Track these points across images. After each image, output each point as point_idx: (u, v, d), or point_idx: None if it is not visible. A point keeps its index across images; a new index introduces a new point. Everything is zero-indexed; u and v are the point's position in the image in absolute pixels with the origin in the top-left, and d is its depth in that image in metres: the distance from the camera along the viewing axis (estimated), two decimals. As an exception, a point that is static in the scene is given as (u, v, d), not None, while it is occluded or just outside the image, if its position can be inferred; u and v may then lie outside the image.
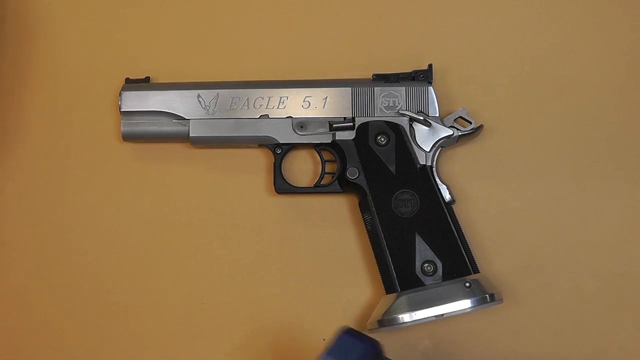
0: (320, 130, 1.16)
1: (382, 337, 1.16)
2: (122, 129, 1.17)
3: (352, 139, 1.15)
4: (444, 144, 1.15)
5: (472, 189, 1.18)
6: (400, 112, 1.15)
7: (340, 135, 1.15)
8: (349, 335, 0.95)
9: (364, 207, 1.13)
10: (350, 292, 1.17)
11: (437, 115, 1.15)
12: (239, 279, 1.18)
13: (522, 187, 1.18)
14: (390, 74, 1.16)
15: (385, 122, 1.15)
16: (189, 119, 1.16)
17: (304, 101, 1.16)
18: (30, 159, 1.22)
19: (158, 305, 1.18)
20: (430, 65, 1.16)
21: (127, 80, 1.18)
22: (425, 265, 1.09)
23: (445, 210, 1.11)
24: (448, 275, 1.09)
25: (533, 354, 1.16)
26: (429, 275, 1.09)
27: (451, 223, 1.11)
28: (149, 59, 1.23)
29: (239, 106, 1.16)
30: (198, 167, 1.21)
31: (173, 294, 1.18)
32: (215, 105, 1.16)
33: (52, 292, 1.19)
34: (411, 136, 1.14)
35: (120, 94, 1.16)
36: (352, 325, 1.16)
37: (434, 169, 1.13)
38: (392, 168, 1.13)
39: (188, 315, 1.18)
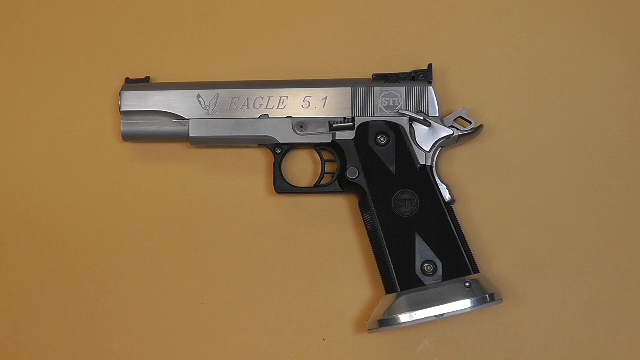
0: (320, 130, 1.16)
1: (382, 337, 1.17)
2: (122, 129, 1.16)
3: (352, 139, 1.14)
4: (444, 144, 1.15)
5: (472, 189, 1.18)
6: (400, 112, 1.15)
7: (340, 135, 1.15)
8: None
9: (364, 207, 1.13)
10: (350, 292, 1.17)
11: (437, 115, 1.15)
12: (239, 279, 1.18)
13: (522, 187, 1.18)
14: (390, 74, 1.16)
15: (385, 122, 1.14)
16: (189, 119, 1.16)
17: (304, 101, 1.16)
18: (30, 159, 1.22)
19: (158, 305, 1.18)
20: (430, 65, 1.16)
21: (127, 80, 1.18)
22: (425, 265, 1.09)
23: (445, 210, 1.11)
24: (448, 275, 1.09)
25: (533, 354, 1.16)
26: (429, 275, 1.09)
27: (451, 223, 1.11)
28: (149, 59, 1.23)
29: (239, 106, 1.16)
30: (198, 167, 1.21)
31: (173, 294, 1.18)
32: (215, 105, 1.16)
33: (51, 293, 1.19)
34: (411, 136, 1.14)
35: (120, 94, 1.16)
36: (352, 325, 1.17)
37: (434, 169, 1.13)
38: (392, 168, 1.13)
39: (188, 315, 1.18)
